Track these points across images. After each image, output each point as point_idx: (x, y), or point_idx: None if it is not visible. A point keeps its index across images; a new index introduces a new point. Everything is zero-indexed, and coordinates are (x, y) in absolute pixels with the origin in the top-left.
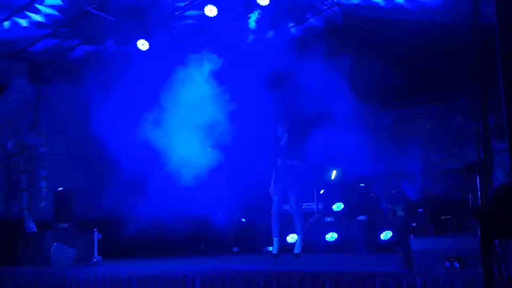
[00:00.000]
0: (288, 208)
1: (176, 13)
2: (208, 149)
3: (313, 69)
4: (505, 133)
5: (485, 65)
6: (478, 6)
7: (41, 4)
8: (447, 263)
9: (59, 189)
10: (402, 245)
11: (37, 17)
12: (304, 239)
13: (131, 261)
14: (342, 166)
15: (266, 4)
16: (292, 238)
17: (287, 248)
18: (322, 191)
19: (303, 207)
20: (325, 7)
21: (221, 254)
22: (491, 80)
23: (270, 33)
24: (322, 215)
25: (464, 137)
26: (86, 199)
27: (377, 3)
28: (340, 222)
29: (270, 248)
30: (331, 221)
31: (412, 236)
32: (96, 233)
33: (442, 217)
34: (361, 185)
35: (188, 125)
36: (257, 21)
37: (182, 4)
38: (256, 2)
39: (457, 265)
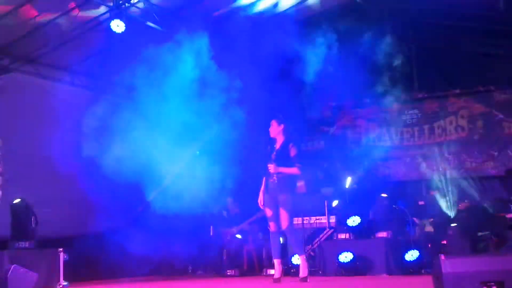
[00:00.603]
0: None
1: None
2: (197, 152)
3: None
4: None
5: None
6: None
7: None
8: None
9: (16, 200)
10: (431, 267)
11: None
12: (308, 259)
13: (104, 286)
14: (358, 172)
15: None
16: (298, 259)
17: (292, 271)
18: (335, 203)
19: (311, 221)
20: None
21: (212, 278)
22: None
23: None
24: (334, 231)
25: (506, 137)
26: (49, 213)
27: None
28: (356, 239)
29: (272, 271)
30: (345, 238)
31: (442, 256)
32: (61, 253)
33: (479, 233)
34: (382, 195)
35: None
36: None
37: None
38: None
39: None
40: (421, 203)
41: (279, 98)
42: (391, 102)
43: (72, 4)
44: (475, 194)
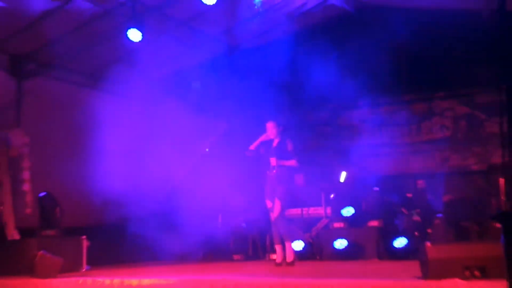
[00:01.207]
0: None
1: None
2: (207, 149)
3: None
4: None
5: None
6: None
7: None
8: (466, 273)
9: (42, 193)
10: (418, 253)
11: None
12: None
13: (123, 270)
14: (352, 167)
15: None
16: (298, 245)
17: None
18: (332, 195)
19: (309, 212)
20: None
21: (221, 262)
22: None
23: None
24: (330, 220)
25: (487, 135)
26: (73, 204)
27: None
28: (350, 228)
29: (274, 256)
30: (340, 227)
31: (428, 243)
32: (84, 240)
33: (463, 223)
34: (374, 188)
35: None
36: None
37: None
38: None
39: (478, 275)
40: (409, 195)
41: (283, 101)
42: (383, 104)
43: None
44: (458, 187)
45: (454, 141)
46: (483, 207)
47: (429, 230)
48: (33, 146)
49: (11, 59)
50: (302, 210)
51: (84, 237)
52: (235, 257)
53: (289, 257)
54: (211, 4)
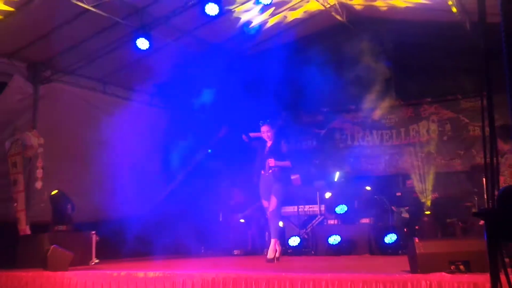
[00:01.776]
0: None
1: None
2: (209, 150)
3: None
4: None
5: (491, 65)
6: (483, 4)
7: None
8: (452, 267)
9: (54, 191)
10: (407, 248)
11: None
12: (302, 241)
13: (130, 264)
14: (345, 168)
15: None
16: (294, 241)
17: (289, 251)
18: (328, 195)
19: (305, 209)
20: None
21: (222, 257)
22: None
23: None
24: (325, 217)
25: (471, 138)
26: (84, 201)
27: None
28: (343, 224)
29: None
30: (334, 224)
31: (417, 239)
32: (93, 235)
33: (448, 220)
34: (367, 188)
35: None
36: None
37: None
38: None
39: (463, 269)
40: (398, 194)
41: (279, 106)
42: (373, 109)
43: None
44: (444, 187)
45: (440, 143)
46: (467, 205)
47: (417, 227)
48: (47, 146)
49: (29, 66)
50: (298, 208)
51: (93, 232)
52: (235, 252)
53: (271, 254)
54: (214, 15)
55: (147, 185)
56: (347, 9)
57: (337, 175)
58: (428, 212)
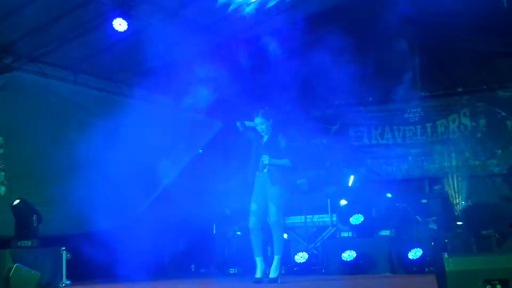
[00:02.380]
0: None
1: None
2: (200, 151)
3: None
4: None
5: None
6: None
7: None
8: (488, 287)
9: (16, 201)
10: (434, 265)
11: None
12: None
13: (106, 286)
14: (361, 170)
15: None
16: (301, 257)
17: (295, 269)
18: (344, 202)
19: (314, 219)
20: None
21: (215, 277)
22: None
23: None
24: (337, 229)
25: (509, 134)
26: (52, 211)
27: None
28: (359, 238)
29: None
30: (348, 236)
31: (446, 254)
32: (64, 252)
33: (484, 232)
34: (387, 195)
35: None
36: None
37: None
38: None
39: None
40: (424, 201)
41: (284, 97)
42: (394, 101)
43: None
44: (478, 192)
45: (474, 141)
46: (506, 214)
47: (446, 240)
48: (8, 147)
49: None
50: (305, 218)
51: (63, 248)
52: (231, 270)
53: (274, 272)
54: None
55: (127, 191)
56: None
57: (351, 179)
58: (459, 223)
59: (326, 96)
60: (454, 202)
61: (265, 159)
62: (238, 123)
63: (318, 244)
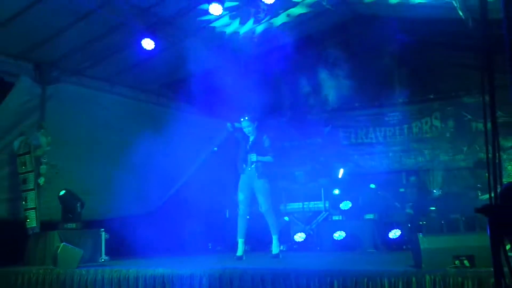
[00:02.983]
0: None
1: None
2: (215, 148)
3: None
4: None
5: (493, 61)
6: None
7: None
8: (456, 262)
9: (62, 192)
10: (411, 243)
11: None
12: (308, 237)
13: (138, 261)
14: (349, 164)
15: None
16: (300, 237)
17: (295, 246)
18: (337, 191)
19: (310, 206)
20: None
21: (229, 253)
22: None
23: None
24: (329, 213)
25: (474, 134)
26: (92, 199)
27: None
28: (348, 220)
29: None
30: (339, 220)
31: (421, 235)
32: (103, 233)
33: (452, 216)
34: (371, 185)
35: None
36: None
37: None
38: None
39: (467, 264)
40: (402, 190)
41: (285, 104)
42: (377, 106)
43: None
44: (448, 182)
45: (443, 140)
46: (471, 201)
47: (421, 223)
48: (55, 146)
49: (36, 66)
50: (303, 204)
51: (102, 229)
52: None
53: (276, 249)
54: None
55: (154, 183)
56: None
57: (341, 172)
58: (432, 208)
59: (321, 103)
60: (427, 191)
61: (253, 157)
62: (228, 124)
63: (313, 226)
